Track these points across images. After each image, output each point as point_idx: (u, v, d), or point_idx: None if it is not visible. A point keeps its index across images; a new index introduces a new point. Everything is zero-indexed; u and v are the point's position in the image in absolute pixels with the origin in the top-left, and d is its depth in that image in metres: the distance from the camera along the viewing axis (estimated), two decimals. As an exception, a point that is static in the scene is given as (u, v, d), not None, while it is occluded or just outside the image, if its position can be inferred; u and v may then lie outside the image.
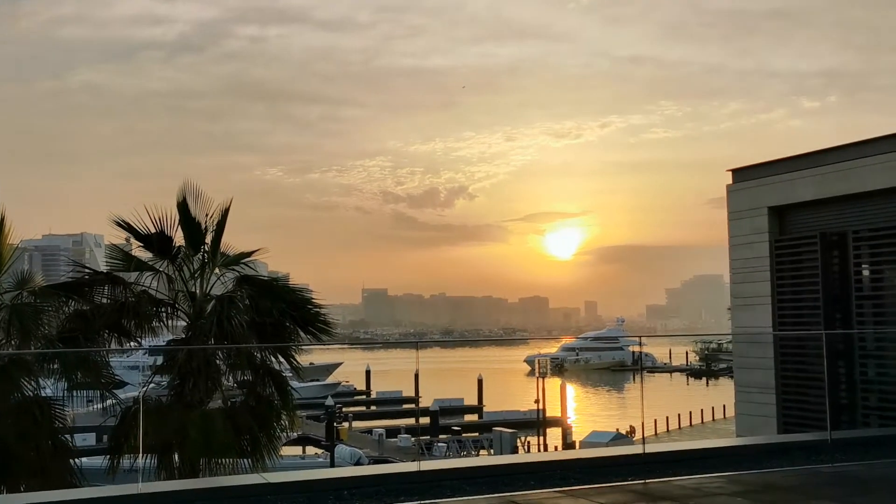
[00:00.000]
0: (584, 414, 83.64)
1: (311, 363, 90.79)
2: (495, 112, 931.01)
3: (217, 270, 15.69)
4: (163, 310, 15.30)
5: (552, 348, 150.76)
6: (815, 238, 17.06)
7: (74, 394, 14.23)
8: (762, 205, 18.24)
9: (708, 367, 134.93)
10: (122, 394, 15.18)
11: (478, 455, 54.27)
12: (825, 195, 17.10)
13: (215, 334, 14.55)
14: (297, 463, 46.01)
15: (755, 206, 18.39)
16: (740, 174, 19.15)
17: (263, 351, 15.15)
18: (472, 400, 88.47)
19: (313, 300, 15.71)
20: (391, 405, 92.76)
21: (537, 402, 61.58)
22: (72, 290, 15.21)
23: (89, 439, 33.51)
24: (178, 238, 15.36)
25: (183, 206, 15.23)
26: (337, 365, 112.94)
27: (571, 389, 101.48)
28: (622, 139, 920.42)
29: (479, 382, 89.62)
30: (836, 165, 16.78)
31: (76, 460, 14.44)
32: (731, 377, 19.97)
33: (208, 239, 15.52)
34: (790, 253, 17.68)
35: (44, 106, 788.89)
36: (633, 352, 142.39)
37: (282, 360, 15.47)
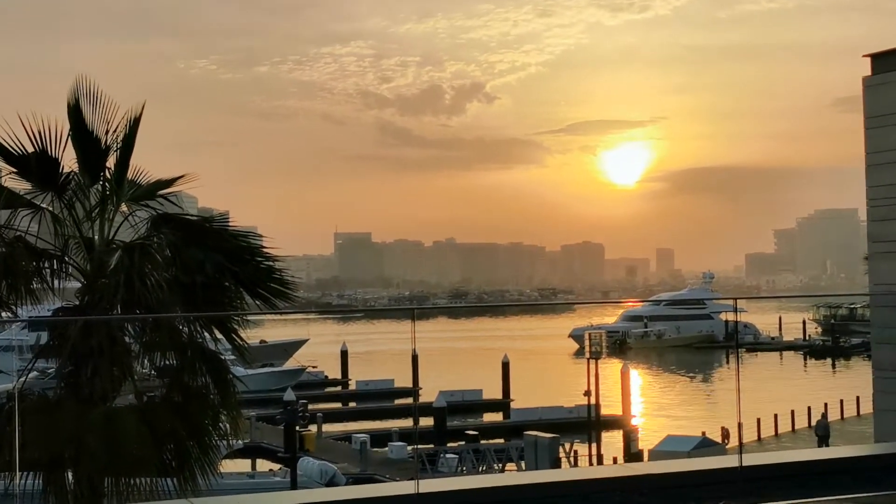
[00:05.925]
0: (655, 411, 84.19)
1: (262, 340, 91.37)
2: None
3: (124, 207, 15.69)
4: (47, 264, 15.34)
5: (610, 317, 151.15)
6: None
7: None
8: (916, 106, 18.12)
9: (835, 342, 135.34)
10: (-9, 386, 15.31)
11: (503, 471, 54.75)
12: None
13: (123, 299, 14.58)
14: (243, 483, 46.55)
15: (905, 109, 18.26)
16: (883, 61, 18.98)
17: (193, 323, 15.21)
18: (494, 393, 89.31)
19: (264, 249, 15.74)
20: (378, 400, 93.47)
21: (588, 394, 61.89)
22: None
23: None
24: (69, 161, 15.34)
25: (75, 114, 15.17)
26: (300, 343, 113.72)
27: (637, 376, 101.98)
28: (707, 12, 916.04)
29: (505, 367, 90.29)
30: None
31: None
32: (868, 357, 20.02)
33: (111, 162, 15.50)
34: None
35: None
36: (727, 321, 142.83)
37: (219, 335, 15.53)
